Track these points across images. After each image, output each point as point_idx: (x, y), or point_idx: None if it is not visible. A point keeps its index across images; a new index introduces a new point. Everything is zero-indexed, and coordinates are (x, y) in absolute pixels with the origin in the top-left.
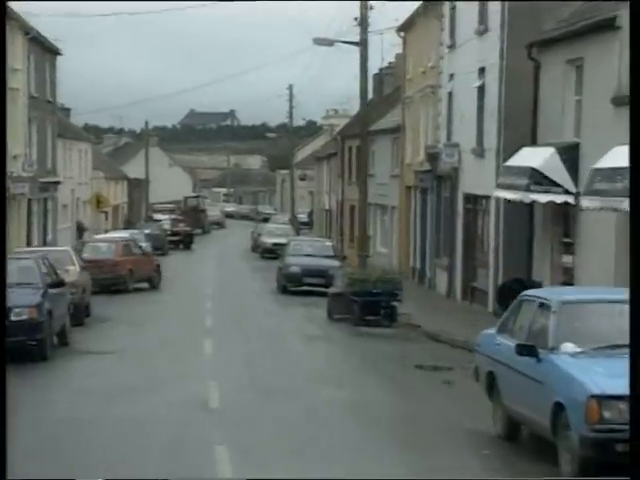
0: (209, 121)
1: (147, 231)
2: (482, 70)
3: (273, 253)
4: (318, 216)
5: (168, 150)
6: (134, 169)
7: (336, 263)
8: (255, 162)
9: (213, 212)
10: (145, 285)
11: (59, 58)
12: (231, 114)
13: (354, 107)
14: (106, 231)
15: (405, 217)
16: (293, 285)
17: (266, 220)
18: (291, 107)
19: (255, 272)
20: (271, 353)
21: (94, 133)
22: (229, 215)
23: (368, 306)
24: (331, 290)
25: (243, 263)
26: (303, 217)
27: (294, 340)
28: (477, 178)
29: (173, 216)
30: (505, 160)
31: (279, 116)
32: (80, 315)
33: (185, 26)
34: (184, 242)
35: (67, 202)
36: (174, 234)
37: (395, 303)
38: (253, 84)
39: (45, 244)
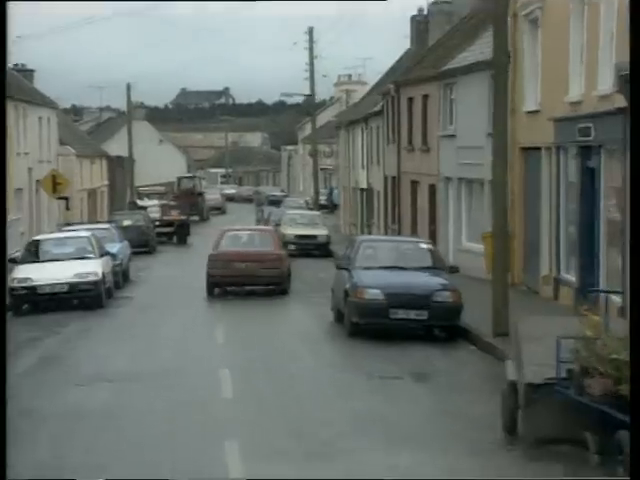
0: (202, 100)
1: (127, 223)
2: None
3: (297, 248)
4: (346, 197)
5: (159, 130)
6: (118, 147)
7: (443, 281)
8: (255, 139)
9: (212, 195)
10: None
11: None
12: (225, 92)
13: (372, 70)
14: (61, 226)
15: (520, 198)
16: (370, 320)
17: (274, 204)
18: (312, 66)
19: None
20: None
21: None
22: (229, 198)
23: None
24: (526, 378)
25: None
26: (320, 198)
27: None
28: None
29: (164, 201)
30: None
31: (274, 93)
32: None
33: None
34: (178, 234)
35: (22, 185)
36: (165, 224)
37: None
38: (246, 62)
39: None
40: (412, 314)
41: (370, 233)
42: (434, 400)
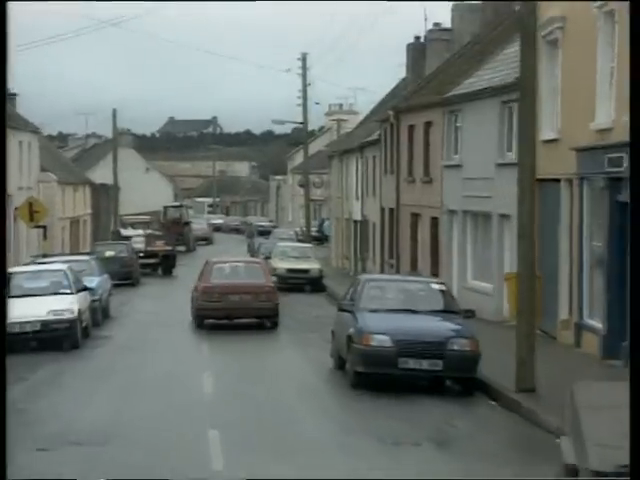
0: (190, 129)
1: (109, 253)
2: None
3: (288, 283)
4: (338, 229)
5: (146, 158)
6: (103, 174)
7: (459, 327)
8: (243, 169)
9: (199, 225)
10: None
11: None
12: (213, 121)
13: (363, 100)
14: (36, 258)
15: (535, 233)
16: (376, 370)
17: (263, 234)
18: (305, 92)
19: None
20: None
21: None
22: (216, 228)
23: None
24: (591, 464)
25: None
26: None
27: None
28: None
29: (149, 231)
30: None
31: (262, 123)
32: None
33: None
34: (163, 265)
35: None
36: (149, 255)
37: None
38: (234, 91)
39: None
40: (424, 364)
41: (364, 267)
42: (463, 474)
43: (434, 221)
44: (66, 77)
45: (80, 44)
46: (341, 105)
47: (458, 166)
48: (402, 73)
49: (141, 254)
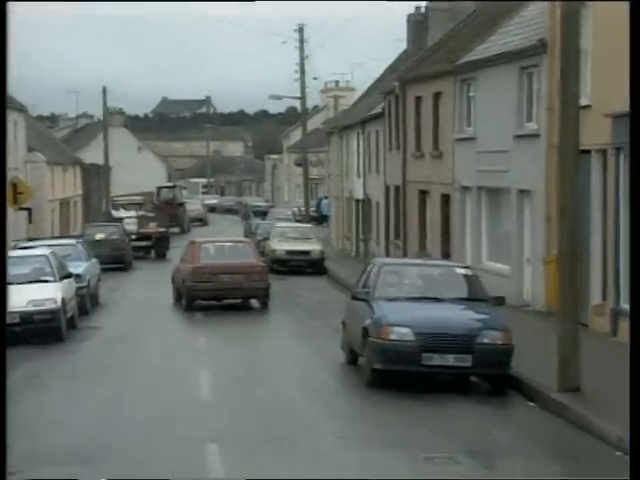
0: (183, 109)
1: (100, 236)
2: None
3: (288, 265)
4: (338, 209)
5: (139, 139)
6: (94, 155)
7: (489, 317)
8: (237, 148)
9: (193, 206)
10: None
11: None
12: (207, 101)
13: (359, 76)
14: (19, 242)
15: (574, 208)
16: (397, 367)
17: (259, 215)
18: (302, 66)
19: (277, 309)
20: None
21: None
22: (211, 209)
23: None
24: None
25: None
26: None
27: None
28: None
29: (141, 212)
30: None
31: (256, 103)
32: None
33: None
34: (157, 248)
35: None
36: (142, 237)
37: None
38: (228, 69)
39: None
40: (451, 359)
41: (367, 248)
42: None
43: (445, 198)
44: (58, 57)
45: (73, 25)
46: (337, 82)
47: (471, 139)
48: (402, 47)
49: (133, 236)
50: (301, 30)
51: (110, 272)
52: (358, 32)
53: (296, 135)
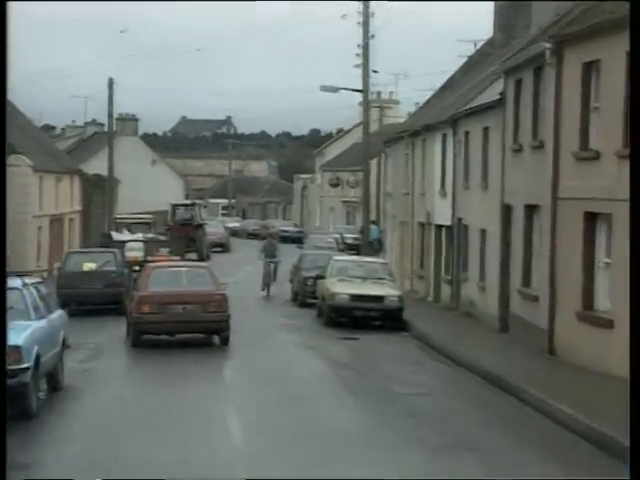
0: (203, 129)
1: (88, 266)
2: None
3: (351, 316)
4: (404, 237)
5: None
6: (100, 165)
7: None
8: (261, 168)
9: (214, 229)
10: None
11: None
12: (227, 121)
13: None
14: None
15: None
16: None
17: (295, 241)
18: (366, 49)
19: (350, 392)
20: None
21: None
22: (232, 233)
23: None
24: None
25: (301, 350)
26: (348, 237)
27: None
28: None
29: (150, 235)
30: None
31: (278, 125)
32: None
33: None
34: None
35: None
36: None
37: None
38: (249, 91)
39: None
40: None
41: (458, 292)
42: None
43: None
44: (69, 65)
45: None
46: (379, 93)
47: None
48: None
49: (137, 268)
50: (366, 6)
51: (97, 318)
52: (400, 43)
53: (332, 151)
